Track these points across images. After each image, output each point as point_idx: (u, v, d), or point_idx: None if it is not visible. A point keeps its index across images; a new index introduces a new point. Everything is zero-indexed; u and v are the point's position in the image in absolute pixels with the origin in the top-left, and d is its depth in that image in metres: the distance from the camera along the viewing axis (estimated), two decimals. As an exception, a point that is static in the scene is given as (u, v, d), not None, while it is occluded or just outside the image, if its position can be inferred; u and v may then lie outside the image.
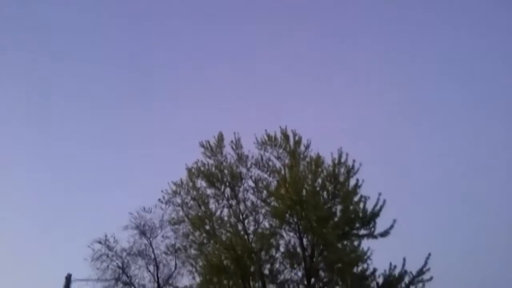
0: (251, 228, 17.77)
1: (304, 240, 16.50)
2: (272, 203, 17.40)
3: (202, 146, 19.15)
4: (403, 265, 15.52)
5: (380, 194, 15.97)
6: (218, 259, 16.40)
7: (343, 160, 16.65)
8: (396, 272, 15.54)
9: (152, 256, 20.12)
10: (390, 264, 15.70)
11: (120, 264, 19.81)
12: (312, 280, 15.99)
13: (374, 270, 15.83)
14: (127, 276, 19.79)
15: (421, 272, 15.38)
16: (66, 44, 54.67)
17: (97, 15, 55.39)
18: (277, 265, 17.07)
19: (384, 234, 15.82)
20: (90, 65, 55.33)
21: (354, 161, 16.60)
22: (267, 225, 17.65)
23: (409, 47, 50.17)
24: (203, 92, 54.43)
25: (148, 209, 20.22)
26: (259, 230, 17.53)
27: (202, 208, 18.07)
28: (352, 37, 55.03)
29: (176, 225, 19.08)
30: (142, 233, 20.21)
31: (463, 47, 48.69)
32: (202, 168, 18.63)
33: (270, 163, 18.32)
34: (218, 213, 18.15)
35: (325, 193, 16.49)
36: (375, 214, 15.89)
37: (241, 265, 15.93)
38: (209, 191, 18.50)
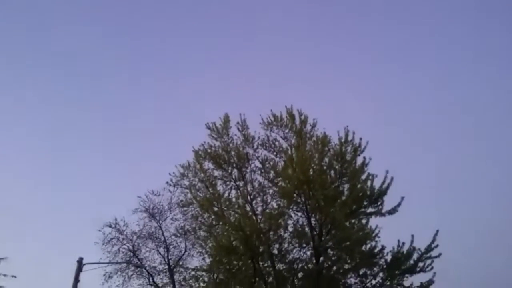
0: (259, 208, 17.88)
1: (312, 219, 16.55)
2: (280, 184, 17.42)
3: (208, 128, 19.01)
4: (412, 242, 15.58)
5: (387, 171, 15.96)
6: (227, 240, 16.50)
7: (349, 138, 16.56)
8: (405, 249, 15.60)
9: (162, 238, 20.27)
10: (398, 241, 15.77)
11: (130, 247, 20.00)
12: (321, 258, 16.08)
13: (383, 247, 15.94)
14: (138, 259, 19.99)
15: (429, 248, 15.42)
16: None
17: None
18: (285, 245, 17.22)
19: (392, 211, 15.83)
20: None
21: (361, 139, 16.56)
22: (275, 205, 17.77)
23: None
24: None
25: (156, 192, 20.32)
26: (267, 210, 17.59)
27: (210, 190, 18.04)
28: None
29: (184, 207, 19.18)
30: (152, 216, 20.31)
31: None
32: (208, 150, 18.57)
33: (277, 143, 18.28)
34: (226, 194, 18.21)
35: (332, 172, 16.47)
36: (382, 192, 15.87)
37: (250, 245, 15.98)
38: (217, 173, 18.55)
